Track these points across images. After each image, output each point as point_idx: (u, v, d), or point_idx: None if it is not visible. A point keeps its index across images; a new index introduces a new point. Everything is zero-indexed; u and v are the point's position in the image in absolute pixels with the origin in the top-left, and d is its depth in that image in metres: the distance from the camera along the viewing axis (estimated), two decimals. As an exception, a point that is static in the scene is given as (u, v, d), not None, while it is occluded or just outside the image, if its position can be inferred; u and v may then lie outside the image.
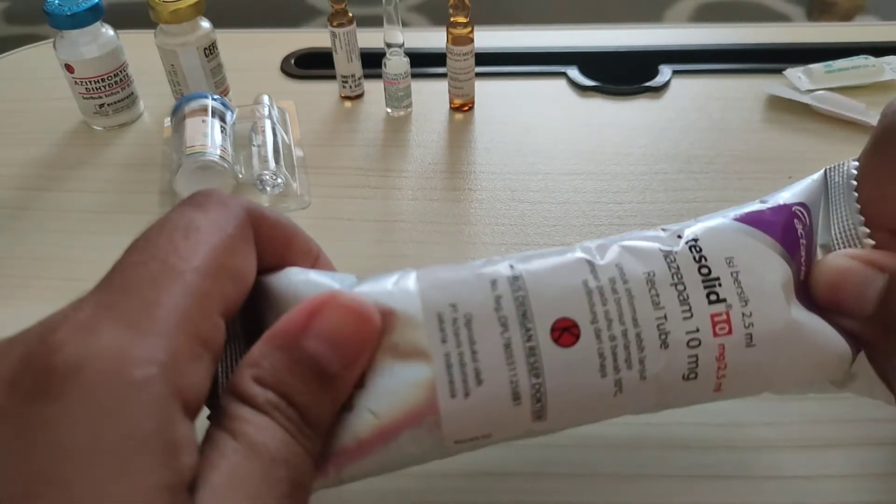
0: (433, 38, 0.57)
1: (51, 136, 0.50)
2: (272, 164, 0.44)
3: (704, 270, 0.21)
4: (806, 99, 0.49)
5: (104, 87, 0.49)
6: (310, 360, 0.18)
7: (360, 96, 0.53)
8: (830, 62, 0.52)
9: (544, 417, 0.20)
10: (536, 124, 0.50)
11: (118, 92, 0.50)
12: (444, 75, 0.51)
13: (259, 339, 0.19)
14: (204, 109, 0.45)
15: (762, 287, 0.21)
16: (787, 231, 0.22)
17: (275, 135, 0.46)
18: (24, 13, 1.80)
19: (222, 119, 0.45)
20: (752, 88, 0.52)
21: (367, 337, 0.19)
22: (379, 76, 0.50)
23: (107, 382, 0.15)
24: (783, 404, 0.31)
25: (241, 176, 0.44)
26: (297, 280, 0.21)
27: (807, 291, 0.23)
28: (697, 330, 0.20)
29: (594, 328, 0.20)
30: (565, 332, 0.20)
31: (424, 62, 0.54)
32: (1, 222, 0.43)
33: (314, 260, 0.23)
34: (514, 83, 0.54)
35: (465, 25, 0.47)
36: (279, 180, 0.43)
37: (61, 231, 0.42)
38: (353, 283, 0.21)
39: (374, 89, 0.53)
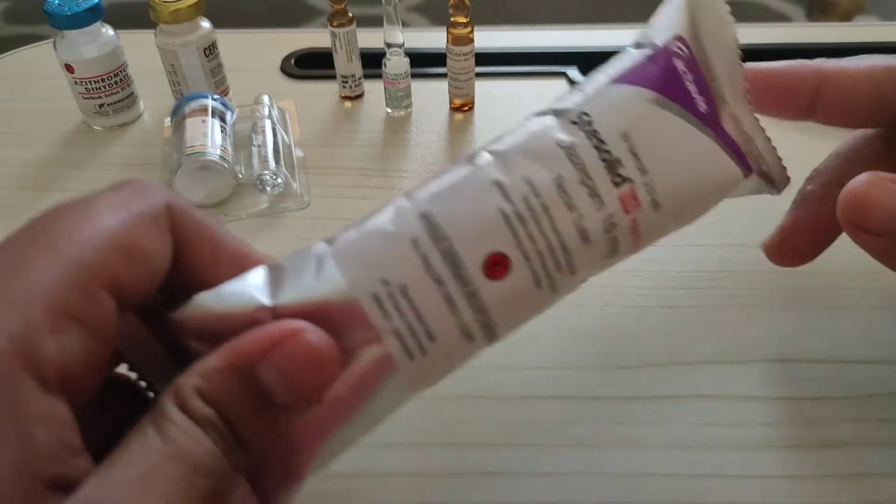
0: (433, 38, 0.57)
1: (51, 136, 0.50)
2: (272, 164, 0.44)
3: (605, 156, 0.22)
4: (806, 99, 0.49)
5: (104, 87, 0.49)
6: (259, 389, 0.18)
7: (360, 96, 0.53)
8: (830, 62, 0.51)
9: (495, 339, 0.22)
10: (536, 124, 0.50)
11: (118, 92, 0.50)
12: (444, 75, 0.51)
13: (215, 351, 0.18)
14: (204, 109, 0.45)
15: (656, 151, 0.22)
16: (669, 78, 0.23)
17: (275, 135, 0.46)
18: (24, 13, 1.80)
19: (222, 119, 0.45)
20: (752, 88, 0.52)
21: (325, 380, 0.19)
22: (379, 76, 0.50)
23: None
24: (783, 404, 0.31)
25: (241, 176, 0.44)
26: (213, 292, 0.20)
27: (709, 120, 0.24)
28: (611, 215, 0.22)
29: (521, 252, 0.21)
30: (497, 266, 0.21)
31: (424, 62, 0.54)
32: (1, 222, 0.43)
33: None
34: (514, 83, 0.54)
35: (465, 25, 0.47)
36: (279, 180, 0.43)
37: (61, 231, 0.42)
38: (265, 278, 0.20)
39: (374, 89, 0.53)
